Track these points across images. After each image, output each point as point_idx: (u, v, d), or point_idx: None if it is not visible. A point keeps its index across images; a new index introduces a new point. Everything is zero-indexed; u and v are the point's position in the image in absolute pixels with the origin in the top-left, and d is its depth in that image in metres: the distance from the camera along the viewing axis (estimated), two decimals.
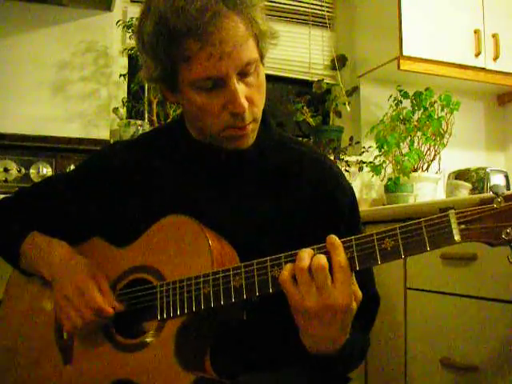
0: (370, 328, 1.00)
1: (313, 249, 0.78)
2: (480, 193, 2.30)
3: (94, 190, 1.04)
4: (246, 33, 0.85)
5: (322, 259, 0.75)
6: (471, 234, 0.68)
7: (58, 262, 0.97)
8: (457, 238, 0.68)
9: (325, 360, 0.82)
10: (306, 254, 0.77)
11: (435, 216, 0.70)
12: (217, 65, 0.83)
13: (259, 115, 0.93)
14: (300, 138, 2.61)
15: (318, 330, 0.77)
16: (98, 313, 0.90)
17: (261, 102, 0.92)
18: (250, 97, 0.88)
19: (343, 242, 0.76)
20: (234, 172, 0.98)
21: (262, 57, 0.92)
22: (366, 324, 0.97)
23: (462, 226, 0.69)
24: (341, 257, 0.75)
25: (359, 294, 0.79)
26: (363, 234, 0.76)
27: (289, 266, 0.77)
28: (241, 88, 0.86)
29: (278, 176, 0.98)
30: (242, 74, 0.87)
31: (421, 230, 0.71)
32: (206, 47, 0.82)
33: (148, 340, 0.88)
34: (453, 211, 0.69)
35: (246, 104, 0.87)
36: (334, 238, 0.76)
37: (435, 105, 2.49)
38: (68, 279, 0.94)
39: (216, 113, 0.88)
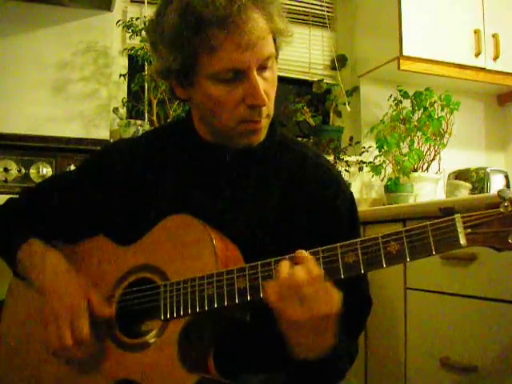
0: (358, 330, 1.01)
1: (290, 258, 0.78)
2: (480, 193, 2.30)
3: (97, 189, 1.04)
4: (267, 27, 0.87)
5: (299, 273, 0.75)
6: (477, 238, 0.68)
7: (49, 275, 0.94)
8: (463, 242, 0.68)
9: (310, 365, 0.82)
10: (285, 268, 0.77)
11: (441, 220, 0.70)
12: (241, 56, 0.84)
13: (272, 111, 0.94)
14: (300, 138, 2.61)
15: (304, 339, 0.78)
16: (79, 345, 0.88)
17: (273, 98, 0.93)
18: (267, 91, 0.89)
19: (347, 245, 0.76)
20: (239, 172, 0.98)
21: (276, 53, 0.93)
22: (353, 327, 0.97)
23: (468, 230, 0.68)
24: (314, 268, 0.76)
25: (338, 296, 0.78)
26: (369, 237, 0.76)
27: (272, 281, 0.78)
28: (260, 81, 0.87)
29: (280, 177, 0.98)
30: (261, 68, 0.88)
31: (426, 234, 0.71)
32: (232, 37, 0.83)
33: (151, 340, 0.88)
34: (459, 215, 0.68)
35: (265, 97, 0.87)
36: (301, 253, 0.78)
37: (435, 105, 2.49)
38: (59, 297, 0.91)
39: (233, 106, 0.88)
